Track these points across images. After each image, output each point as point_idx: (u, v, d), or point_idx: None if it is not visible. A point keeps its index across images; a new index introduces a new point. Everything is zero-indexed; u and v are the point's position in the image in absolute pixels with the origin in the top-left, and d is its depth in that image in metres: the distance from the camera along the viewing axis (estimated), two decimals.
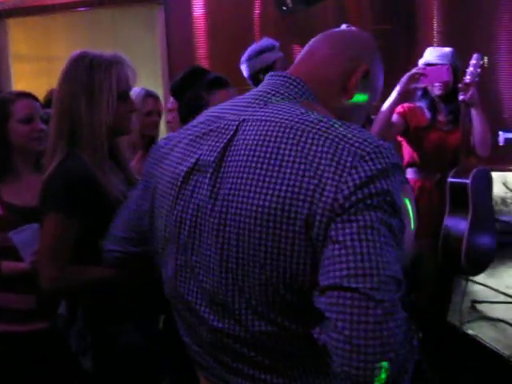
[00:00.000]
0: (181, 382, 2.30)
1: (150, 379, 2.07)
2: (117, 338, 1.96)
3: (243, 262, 1.12)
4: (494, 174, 3.12)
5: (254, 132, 1.16)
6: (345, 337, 0.97)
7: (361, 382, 0.96)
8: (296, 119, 1.13)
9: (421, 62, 3.30)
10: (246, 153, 1.14)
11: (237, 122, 1.20)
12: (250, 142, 1.15)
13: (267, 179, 1.10)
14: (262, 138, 1.14)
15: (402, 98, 3.17)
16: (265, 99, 1.22)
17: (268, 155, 1.11)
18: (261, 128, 1.15)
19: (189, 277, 1.24)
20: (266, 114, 1.17)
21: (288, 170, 1.08)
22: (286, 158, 1.09)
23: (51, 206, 1.84)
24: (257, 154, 1.12)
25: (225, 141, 1.19)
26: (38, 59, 5.15)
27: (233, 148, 1.17)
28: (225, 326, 1.19)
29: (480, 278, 2.92)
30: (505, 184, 4.76)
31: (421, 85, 3.20)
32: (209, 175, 1.19)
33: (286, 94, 1.23)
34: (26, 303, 2.23)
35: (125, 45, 4.91)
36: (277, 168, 1.09)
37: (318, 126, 1.10)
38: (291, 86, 1.24)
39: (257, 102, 1.23)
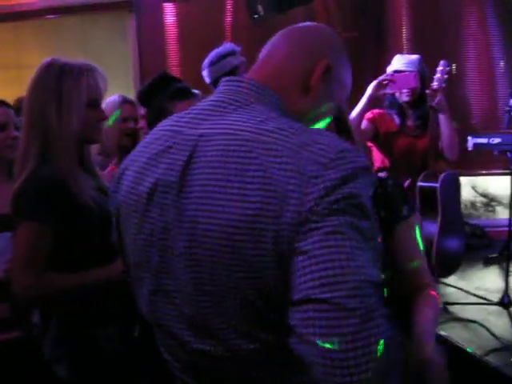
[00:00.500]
0: None
1: None
2: (94, 345, 1.95)
3: (218, 283, 1.08)
4: (464, 179, 3.18)
5: (213, 148, 1.09)
6: (323, 352, 0.93)
7: None
8: (254, 130, 1.07)
9: (389, 69, 3.35)
10: (207, 171, 1.08)
11: (195, 137, 1.13)
12: (210, 158, 1.09)
13: (231, 197, 1.04)
14: (220, 153, 1.07)
15: (370, 104, 3.22)
16: (221, 109, 1.16)
17: (229, 172, 1.05)
18: (219, 143, 1.09)
19: (165, 301, 1.19)
20: (224, 127, 1.11)
21: (250, 186, 1.02)
22: (246, 173, 1.03)
23: (24, 214, 1.83)
24: (218, 171, 1.06)
25: (184, 159, 1.13)
26: (6, 67, 5.09)
27: (193, 166, 1.11)
28: (206, 348, 1.14)
29: (451, 280, 2.97)
30: (474, 188, 4.83)
31: (389, 91, 3.26)
32: (171, 196, 1.13)
33: (243, 101, 1.15)
34: (0, 312, 2.21)
35: (96, 52, 4.88)
36: (239, 185, 1.03)
37: (276, 136, 1.04)
38: (249, 92, 1.17)
39: (214, 113, 1.16)
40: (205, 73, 3.03)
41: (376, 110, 3.41)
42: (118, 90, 4.06)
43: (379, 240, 1.26)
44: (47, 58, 1.97)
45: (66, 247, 1.87)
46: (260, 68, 1.25)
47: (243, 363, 1.13)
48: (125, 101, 2.93)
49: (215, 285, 1.09)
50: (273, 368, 1.12)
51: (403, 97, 3.32)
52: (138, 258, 1.21)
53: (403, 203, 1.70)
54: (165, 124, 1.25)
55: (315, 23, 1.34)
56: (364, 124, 3.33)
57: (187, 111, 1.22)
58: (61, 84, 1.90)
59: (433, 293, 1.69)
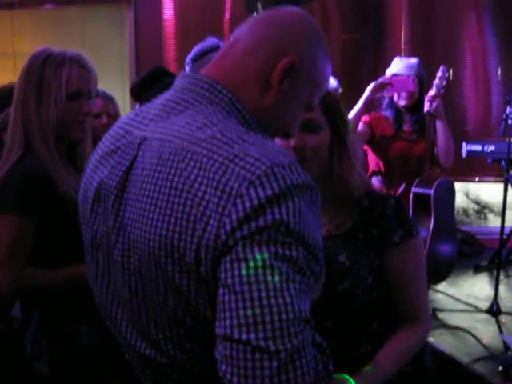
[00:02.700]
0: None
1: (108, 382, 2.04)
2: (74, 341, 1.92)
3: (149, 294, 1.06)
4: (457, 185, 3.17)
5: (151, 154, 1.04)
6: None
7: None
8: (189, 138, 1.00)
9: (388, 72, 3.34)
10: (142, 179, 1.04)
11: (138, 141, 1.09)
12: (146, 166, 1.04)
13: (158, 210, 0.99)
14: (155, 161, 1.02)
15: (367, 106, 3.21)
16: (168, 110, 1.10)
17: (160, 183, 0.99)
18: (156, 149, 1.03)
19: (116, 305, 1.16)
20: (164, 132, 1.05)
21: (176, 200, 0.96)
22: (174, 185, 0.97)
23: (7, 207, 1.79)
24: (151, 180, 1.01)
25: (127, 163, 1.09)
26: (2, 55, 5.06)
27: (133, 172, 1.07)
28: (152, 354, 1.12)
29: (441, 286, 2.97)
30: (467, 195, 4.85)
31: (387, 94, 3.25)
32: (111, 202, 1.10)
33: (192, 101, 1.09)
34: None
35: (92, 44, 4.85)
36: (166, 198, 0.98)
37: (209, 146, 0.97)
38: (200, 91, 1.09)
39: (161, 113, 1.11)
40: (187, 69, 2.96)
41: (372, 113, 3.41)
42: (113, 83, 4.05)
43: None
44: (41, 47, 1.94)
45: (47, 242, 1.84)
46: (219, 62, 1.16)
47: (187, 372, 1.11)
48: (96, 95, 2.82)
49: (146, 295, 1.07)
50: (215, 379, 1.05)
51: (401, 101, 3.32)
52: (89, 256, 1.20)
53: (398, 227, 1.56)
54: (122, 120, 1.21)
55: (289, 10, 1.19)
56: (360, 126, 3.32)
57: (146, 106, 1.18)
58: (42, 73, 1.87)
59: (417, 329, 1.60)
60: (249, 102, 1.10)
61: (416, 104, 3.30)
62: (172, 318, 1.04)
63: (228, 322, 0.90)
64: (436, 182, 2.93)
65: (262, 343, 0.87)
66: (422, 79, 3.29)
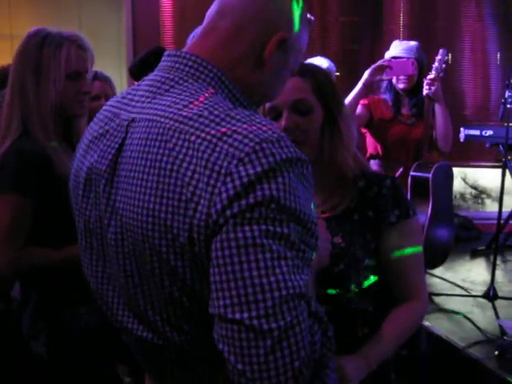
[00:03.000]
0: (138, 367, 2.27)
1: (107, 363, 2.05)
2: (73, 322, 1.93)
3: (144, 276, 1.05)
4: (455, 170, 3.17)
5: (139, 136, 1.04)
6: (238, 371, 0.90)
7: None
8: (176, 117, 0.99)
9: (387, 55, 3.33)
10: (131, 161, 1.03)
11: (126, 123, 1.08)
12: (135, 148, 1.03)
13: (149, 191, 0.98)
14: (143, 142, 1.02)
15: (366, 89, 3.19)
16: (154, 90, 1.08)
17: (148, 163, 0.99)
18: (143, 130, 1.03)
19: (111, 289, 1.16)
20: (151, 112, 1.04)
21: (166, 181, 0.96)
22: (163, 165, 0.97)
23: (5, 188, 1.79)
24: (140, 162, 1.01)
25: (116, 146, 1.08)
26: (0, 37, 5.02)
27: (123, 155, 1.06)
28: (148, 337, 1.12)
29: (437, 271, 2.97)
30: (464, 179, 4.84)
31: (386, 77, 3.23)
32: (102, 186, 1.09)
33: (177, 80, 1.07)
34: None
35: (90, 26, 4.79)
36: (156, 179, 0.97)
37: (196, 124, 0.97)
38: (185, 68, 1.08)
39: (147, 93, 1.09)
40: None
41: (371, 96, 3.40)
42: (110, 65, 4.02)
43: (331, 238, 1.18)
44: (35, 27, 1.92)
45: (44, 222, 1.84)
46: (204, 40, 1.13)
47: (184, 353, 1.12)
48: (95, 77, 2.74)
49: (142, 278, 1.07)
50: (212, 359, 1.06)
51: (400, 84, 3.30)
52: (83, 241, 1.20)
53: (394, 207, 1.55)
54: (111, 102, 1.21)
55: None
56: (359, 109, 3.31)
57: (133, 88, 1.17)
58: (40, 53, 1.85)
59: (415, 307, 1.61)
60: (239, 78, 1.10)
61: (415, 87, 3.29)
62: (169, 300, 1.04)
63: (221, 302, 0.91)
64: (434, 166, 2.92)
65: (254, 322, 0.89)
66: (422, 62, 3.27)
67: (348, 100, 3.13)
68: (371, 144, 3.47)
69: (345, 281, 1.52)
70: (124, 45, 4.84)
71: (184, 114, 0.99)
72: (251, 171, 0.91)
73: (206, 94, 1.04)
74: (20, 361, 2.23)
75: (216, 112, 0.98)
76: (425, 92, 3.10)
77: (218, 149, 0.93)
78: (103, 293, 1.19)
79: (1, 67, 2.92)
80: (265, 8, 1.10)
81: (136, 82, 2.43)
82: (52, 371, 1.96)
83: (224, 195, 0.91)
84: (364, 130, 3.46)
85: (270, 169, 0.91)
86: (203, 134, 0.95)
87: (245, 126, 0.96)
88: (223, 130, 0.95)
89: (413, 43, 3.34)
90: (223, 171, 0.92)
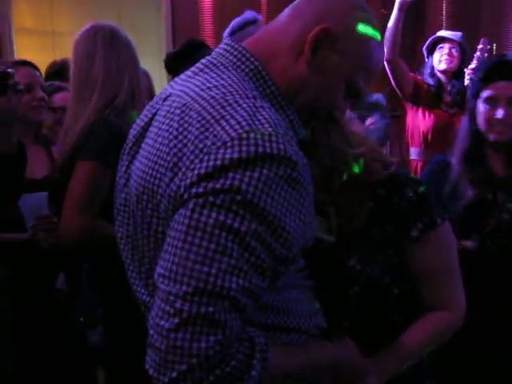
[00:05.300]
0: None
1: None
2: (131, 313, 1.93)
3: (146, 240, 1.09)
4: None
5: (166, 108, 1.09)
6: (150, 335, 0.93)
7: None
8: (195, 96, 1.03)
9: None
10: (154, 130, 1.09)
11: (164, 96, 1.13)
12: (160, 118, 1.09)
13: (151, 157, 1.05)
14: (165, 114, 1.07)
15: (402, 12, 3.30)
16: (196, 71, 1.13)
17: (160, 133, 1.05)
18: (169, 104, 1.08)
19: (127, 249, 1.19)
20: (183, 89, 1.08)
21: (163, 149, 1.02)
22: (166, 135, 1.02)
23: (90, 155, 1.81)
24: (157, 131, 1.07)
25: (150, 115, 1.15)
26: (41, 34, 5.10)
27: (153, 123, 1.12)
28: (147, 299, 1.16)
29: None
30: None
31: None
32: (127, 150, 1.17)
33: (218, 65, 1.11)
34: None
35: (130, 22, 4.84)
36: (158, 146, 1.04)
37: (205, 104, 1.00)
38: (230, 57, 1.11)
39: (190, 73, 1.15)
40: None
41: (420, 77, 3.44)
42: (150, 60, 4.04)
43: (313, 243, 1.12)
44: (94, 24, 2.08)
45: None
46: (256, 35, 1.18)
47: None
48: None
49: (143, 240, 1.10)
50: None
51: (441, 65, 3.31)
52: (117, 201, 1.23)
53: (416, 220, 1.37)
54: (174, 80, 1.22)
55: None
56: (407, 73, 3.39)
57: (189, 70, 1.19)
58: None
59: (447, 315, 1.43)
60: (279, 70, 1.10)
61: (457, 73, 3.28)
62: (154, 264, 1.05)
63: (158, 269, 0.95)
64: None
65: (171, 298, 0.90)
66: (464, 50, 3.27)
67: (389, 27, 3.31)
68: (411, 131, 3.45)
69: (362, 301, 1.38)
70: (164, 39, 4.87)
71: (203, 94, 1.02)
72: (228, 156, 0.91)
73: (235, 80, 1.05)
74: (69, 350, 2.25)
75: (229, 98, 1.00)
76: (466, 81, 3.06)
77: (211, 129, 0.95)
78: (125, 259, 1.21)
79: (60, 60, 3.07)
80: (316, 4, 1.13)
81: (171, 75, 2.45)
82: (105, 360, 1.97)
83: (196, 171, 0.93)
84: (409, 108, 3.47)
85: (247, 158, 0.91)
86: (206, 114, 0.98)
87: (245, 114, 0.96)
88: (224, 113, 0.97)
89: (457, 33, 3.39)
90: (205, 150, 0.94)
